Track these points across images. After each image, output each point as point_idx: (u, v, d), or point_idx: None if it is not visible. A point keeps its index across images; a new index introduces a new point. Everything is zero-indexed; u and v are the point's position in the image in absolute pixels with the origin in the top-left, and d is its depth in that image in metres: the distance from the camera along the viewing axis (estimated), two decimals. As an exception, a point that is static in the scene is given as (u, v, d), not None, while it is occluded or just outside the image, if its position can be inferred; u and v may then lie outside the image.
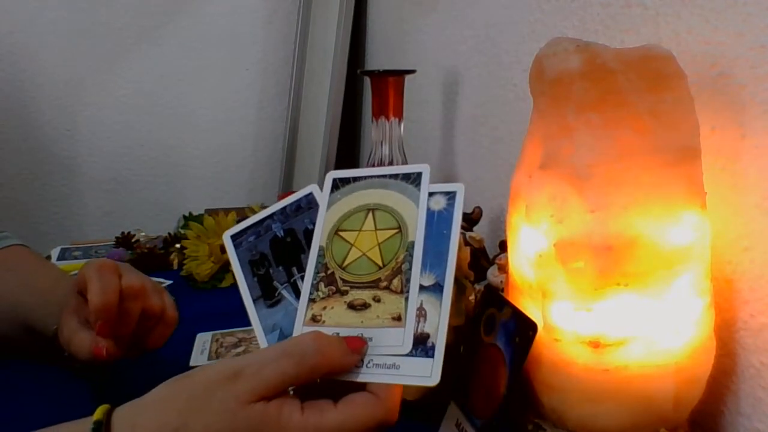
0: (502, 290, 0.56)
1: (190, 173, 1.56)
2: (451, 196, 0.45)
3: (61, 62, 1.42)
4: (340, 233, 0.46)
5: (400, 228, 0.45)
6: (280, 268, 0.47)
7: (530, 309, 0.49)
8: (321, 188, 0.49)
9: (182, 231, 1.00)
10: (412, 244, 0.44)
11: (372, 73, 0.89)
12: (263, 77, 1.58)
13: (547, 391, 0.48)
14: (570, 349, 0.45)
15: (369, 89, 0.98)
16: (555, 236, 0.45)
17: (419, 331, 0.41)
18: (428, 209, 0.45)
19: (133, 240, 1.05)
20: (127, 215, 1.50)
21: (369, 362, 0.41)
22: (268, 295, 0.47)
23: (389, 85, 0.88)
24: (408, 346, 0.40)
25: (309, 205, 0.49)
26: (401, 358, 0.40)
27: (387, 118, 0.89)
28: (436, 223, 0.44)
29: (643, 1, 0.59)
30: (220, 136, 1.57)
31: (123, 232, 1.07)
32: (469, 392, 0.48)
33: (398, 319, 0.41)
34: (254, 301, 0.47)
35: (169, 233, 1.08)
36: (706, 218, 0.45)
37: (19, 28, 1.38)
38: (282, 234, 0.48)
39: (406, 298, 0.42)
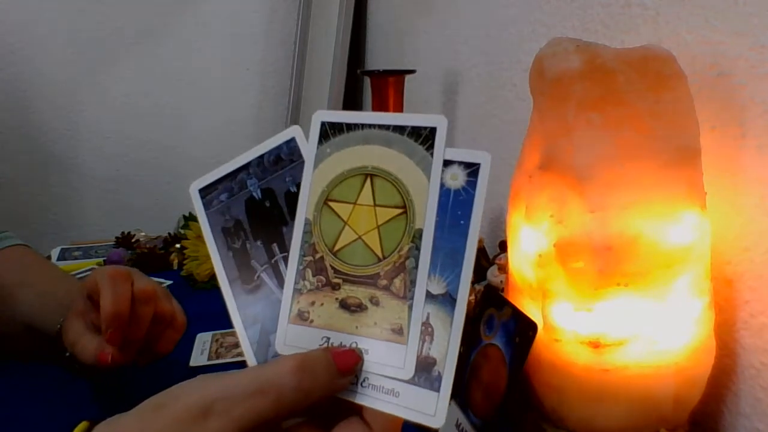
0: (502, 290, 0.56)
1: (190, 173, 1.54)
2: (473, 169, 0.35)
3: (60, 63, 1.42)
4: (330, 203, 0.38)
5: (406, 207, 0.36)
6: (259, 242, 0.40)
7: (530, 309, 0.49)
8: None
9: (182, 231, 1.01)
10: (419, 234, 0.35)
11: (372, 73, 0.89)
12: (263, 77, 1.58)
13: (547, 391, 0.48)
14: (570, 349, 0.45)
15: (369, 89, 0.98)
16: (555, 236, 0.45)
17: (424, 353, 0.34)
18: (442, 185, 0.35)
19: (133, 240, 1.05)
20: (127, 215, 1.50)
21: (364, 380, 0.35)
22: (246, 278, 0.40)
23: (389, 85, 0.88)
24: (410, 370, 0.34)
25: (291, 155, 0.40)
26: (401, 384, 0.34)
27: (387, 118, 0.89)
28: (452, 206, 0.35)
29: (643, 1, 0.59)
30: (220, 136, 1.57)
31: (123, 232, 1.07)
32: (469, 392, 0.48)
33: (399, 332, 0.35)
34: (231, 283, 0.40)
35: (169, 233, 1.08)
36: (706, 218, 0.45)
37: (19, 28, 1.38)
38: (259, 195, 0.41)
39: (410, 307, 0.35)
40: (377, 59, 1.39)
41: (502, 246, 0.72)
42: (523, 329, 0.45)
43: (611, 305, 0.44)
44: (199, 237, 0.91)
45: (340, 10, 1.28)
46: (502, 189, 0.51)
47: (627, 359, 0.44)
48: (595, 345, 0.44)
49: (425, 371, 0.34)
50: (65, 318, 0.60)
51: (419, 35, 1.15)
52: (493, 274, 0.71)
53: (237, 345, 0.71)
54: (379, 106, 0.89)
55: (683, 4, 0.54)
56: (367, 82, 1.15)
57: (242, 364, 0.71)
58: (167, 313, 0.60)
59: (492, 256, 0.76)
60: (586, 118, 0.44)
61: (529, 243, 0.48)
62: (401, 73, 0.89)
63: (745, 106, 0.48)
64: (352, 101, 1.42)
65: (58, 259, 1.03)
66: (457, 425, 0.48)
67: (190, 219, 1.06)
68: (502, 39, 0.86)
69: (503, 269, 0.69)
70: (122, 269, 0.58)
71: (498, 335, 0.47)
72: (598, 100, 0.44)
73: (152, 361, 0.60)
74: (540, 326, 0.46)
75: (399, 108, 0.90)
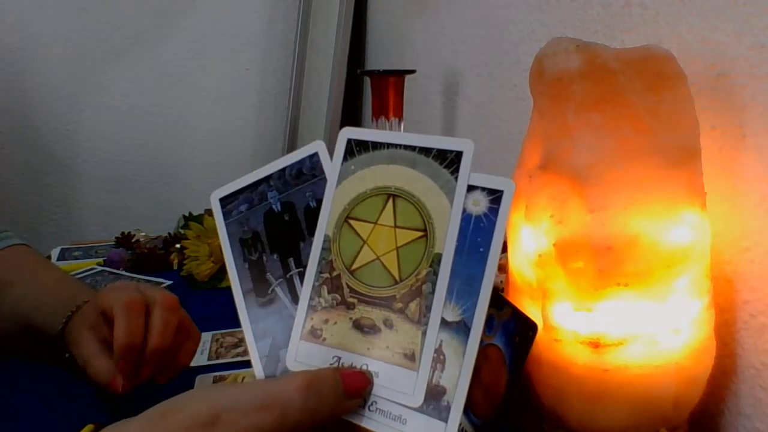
0: (502, 290, 0.56)
1: (189, 173, 1.56)
2: (495, 196, 0.35)
3: (61, 62, 1.42)
4: (351, 221, 0.38)
5: (426, 231, 0.36)
6: (275, 256, 0.40)
7: (530, 309, 0.49)
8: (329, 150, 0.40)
9: (182, 231, 1.01)
10: (438, 259, 0.35)
11: (372, 73, 0.89)
12: (263, 77, 1.58)
13: (547, 391, 0.48)
14: (570, 349, 0.45)
15: (369, 89, 0.98)
16: (555, 236, 0.45)
17: (434, 381, 0.34)
18: (464, 210, 0.35)
19: (133, 240, 1.05)
20: (127, 215, 1.50)
21: (372, 404, 0.35)
22: (260, 291, 0.40)
23: (389, 85, 0.88)
24: (419, 398, 0.34)
25: (313, 170, 0.40)
26: (409, 411, 0.34)
27: (387, 118, 0.89)
28: (472, 232, 0.35)
29: (643, 1, 0.59)
30: (220, 136, 1.57)
31: (123, 232, 1.07)
32: (469, 392, 0.48)
33: (411, 358, 0.34)
34: (245, 294, 0.40)
35: (169, 233, 1.08)
36: (706, 218, 0.45)
37: (19, 28, 1.38)
38: (279, 208, 0.41)
39: (424, 333, 0.34)
40: (377, 59, 1.39)
41: (502, 246, 0.72)
42: (523, 329, 0.45)
43: (611, 305, 0.44)
44: (199, 237, 0.91)
45: (340, 10, 1.28)
46: (502, 189, 0.51)
47: (627, 359, 0.44)
48: (595, 345, 0.44)
49: (434, 400, 0.34)
50: (74, 326, 0.59)
51: (419, 35, 1.15)
52: (493, 274, 0.71)
53: (237, 345, 0.71)
54: (379, 106, 0.89)
55: (683, 4, 0.54)
56: (367, 82, 1.15)
57: (242, 365, 0.71)
58: (188, 322, 0.60)
59: (492, 256, 0.76)
60: (586, 118, 0.44)
61: (529, 243, 0.48)
62: (401, 73, 0.89)
63: (745, 106, 0.48)
64: (352, 101, 1.42)
65: (58, 259, 1.03)
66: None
67: (190, 219, 1.06)
68: (502, 39, 0.86)
69: (503, 269, 0.69)
70: (138, 298, 0.56)
71: (498, 335, 0.47)
72: (598, 100, 0.44)
73: (172, 377, 0.58)
74: (540, 326, 0.46)
75: (399, 108, 0.90)
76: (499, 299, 0.49)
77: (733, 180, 0.50)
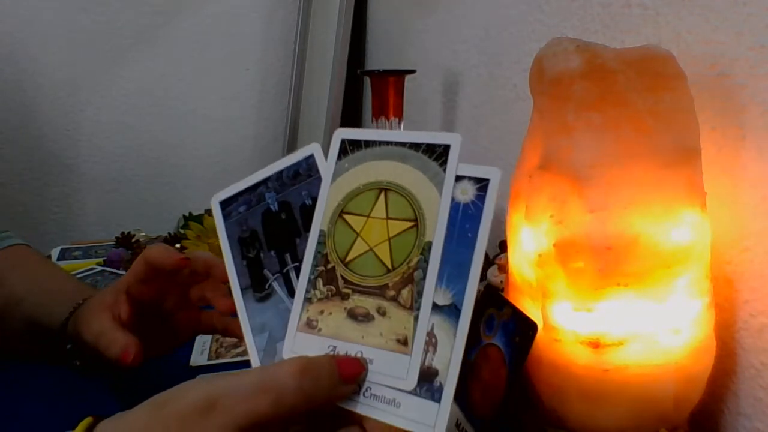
0: (502, 290, 0.56)
1: (190, 173, 1.56)
2: (482, 184, 0.36)
3: (61, 62, 1.42)
4: (345, 216, 0.39)
5: (417, 221, 0.37)
6: (272, 253, 0.42)
7: (530, 309, 0.49)
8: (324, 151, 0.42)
9: (182, 231, 1.01)
10: (429, 246, 0.36)
11: (372, 73, 0.89)
12: (263, 77, 1.58)
13: (547, 391, 0.48)
14: (570, 349, 0.45)
15: (369, 89, 0.98)
16: (555, 236, 0.45)
17: (427, 363, 0.35)
18: (452, 199, 0.36)
19: (133, 240, 1.05)
20: (127, 215, 1.50)
21: (366, 390, 0.36)
22: (257, 287, 0.42)
23: (389, 85, 0.88)
24: (413, 381, 0.35)
25: (309, 171, 0.42)
26: (403, 394, 0.35)
27: (387, 118, 0.89)
28: (461, 220, 0.36)
29: (643, 1, 0.59)
30: (220, 136, 1.57)
31: (123, 232, 1.07)
32: (469, 392, 0.48)
33: (404, 343, 0.35)
34: (242, 291, 0.42)
35: (169, 233, 1.08)
36: (706, 218, 0.45)
37: (19, 28, 1.38)
38: (276, 208, 0.42)
39: (416, 318, 0.36)
40: (377, 59, 1.39)
41: (502, 246, 0.72)
42: (523, 329, 0.45)
43: (611, 305, 0.44)
44: (199, 237, 0.91)
45: (340, 10, 1.28)
46: (502, 189, 0.51)
47: (627, 359, 0.44)
48: (595, 345, 0.44)
49: (427, 382, 0.34)
50: (82, 312, 0.59)
51: (419, 35, 1.15)
52: (493, 274, 0.71)
53: (237, 345, 0.71)
54: (379, 106, 0.89)
55: (683, 4, 0.54)
56: (367, 82, 1.15)
57: (242, 365, 0.71)
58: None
59: (492, 256, 0.76)
60: (586, 118, 0.44)
61: (529, 243, 0.48)
62: (401, 73, 0.89)
63: (745, 107, 0.48)
64: (352, 101, 1.42)
65: (58, 259, 1.03)
66: (457, 425, 0.48)
67: (190, 219, 1.06)
68: (502, 39, 0.86)
69: (503, 269, 0.69)
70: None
71: (498, 335, 0.47)
72: (598, 100, 0.44)
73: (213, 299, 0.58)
74: (540, 326, 0.46)
75: (399, 108, 0.90)
76: (499, 299, 0.49)
77: (733, 180, 0.50)
